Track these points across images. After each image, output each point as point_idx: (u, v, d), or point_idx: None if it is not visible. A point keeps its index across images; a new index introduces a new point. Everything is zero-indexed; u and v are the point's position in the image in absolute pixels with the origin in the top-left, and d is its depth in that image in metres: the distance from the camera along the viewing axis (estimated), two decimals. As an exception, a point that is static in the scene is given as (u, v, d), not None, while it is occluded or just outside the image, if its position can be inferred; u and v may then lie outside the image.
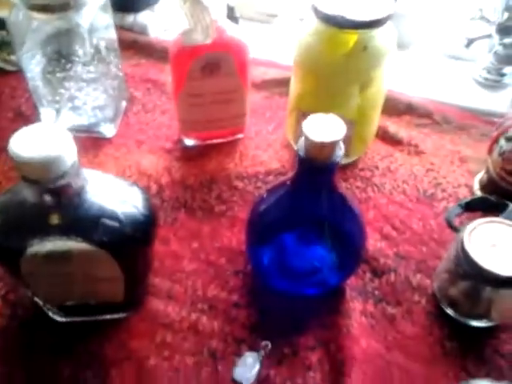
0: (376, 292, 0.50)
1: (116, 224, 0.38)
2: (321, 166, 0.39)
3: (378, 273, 0.52)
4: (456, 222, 0.49)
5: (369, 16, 0.49)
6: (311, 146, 0.37)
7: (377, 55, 0.52)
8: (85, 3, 0.54)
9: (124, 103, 0.70)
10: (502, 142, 0.52)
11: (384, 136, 0.66)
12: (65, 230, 0.38)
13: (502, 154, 0.52)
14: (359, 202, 0.58)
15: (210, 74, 0.56)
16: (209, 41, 0.52)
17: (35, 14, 0.53)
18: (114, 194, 0.40)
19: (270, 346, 0.45)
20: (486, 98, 0.72)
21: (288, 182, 0.44)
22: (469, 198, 0.50)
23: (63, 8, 0.52)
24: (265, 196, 0.48)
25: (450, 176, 0.61)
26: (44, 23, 0.54)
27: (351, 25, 0.50)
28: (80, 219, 0.38)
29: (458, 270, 0.45)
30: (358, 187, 0.60)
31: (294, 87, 0.59)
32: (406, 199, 0.59)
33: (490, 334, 0.47)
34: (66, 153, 0.34)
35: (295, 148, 0.39)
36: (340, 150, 0.39)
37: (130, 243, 0.40)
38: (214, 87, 0.58)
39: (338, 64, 0.52)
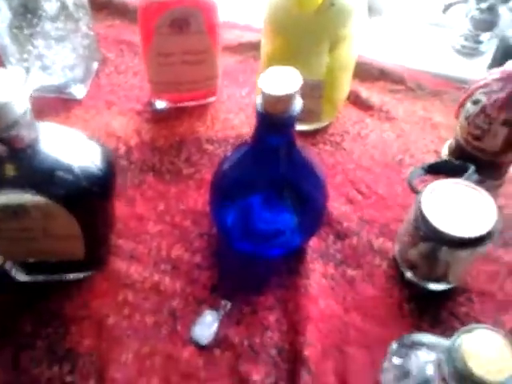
0: (338, 255, 0.51)
1: (71, 177, 0.38)
2: (278, 121, 0.38)
3: (340, 236, 0.52)
4: (419, 185, 0.49)
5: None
6: (267, 99, 0.37)
7: (345, 12, 0.52)
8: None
9: (95, 64, 0.68)
10: (469, 105, 0.52)
11: (356, 101, 0.65)
12: (19, 183, 0.38)
13: (467, 118, 0.52)
14: (327, 167, 0.58)
15: (178, 30, 0.55)
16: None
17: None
18: (71, 148, 0.40)
19: (229, 305, 0.46)
20: (462, 66, 0.72)
21: (248, 141, 0.44)
22: (432, 161, 0.50)
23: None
24: (228, 156, 0.48)
25: (420, 142, 0.61)
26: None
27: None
28: (34, 171, 0.38)
29: (416, 232, 0.46)
30: (326, 152, 0.60)
31: (265, 48, 0.58)
32: (374, 164, 0.59)
33: (447, 297, 0.48)
34: (17, 100, 0.34)
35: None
36: (297, 105, 0.38)
37: (86, 197, 0.40)
38: (183, 46, 0.57)
39: (307, 21, 0.51)
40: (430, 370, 0.35)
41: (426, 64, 0.71)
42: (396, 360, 0.34)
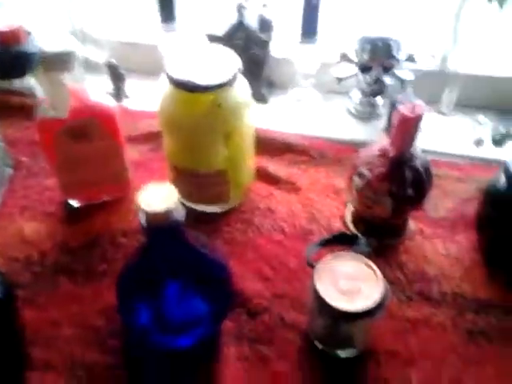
0: (251, 334, 0.52)
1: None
2: (161, 231, 0.41)
3: (252, 314, 0.53)
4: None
5: (216, 78, 0.52)
6: (147, 215, 0.40)
7: (232, 109, 0.55)
8: None
9: (8, 170, 0.70)
10: (356, 179, 0.55)
11: (264, 177, 0.69)
12: None
13: (357, 190, 0.55)
14: (239, 246, 0.60)
15: (78, 139, 0.57)
16: (65, 115, 0.54)
17: None
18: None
19: None
20: (360, 130, 0.77)
21: (143, 248, 0.46)
22: (327, 236, 0.53)
23: None
24: (130, 259, 0.49)
25: (326, 210, 0.65)
26: None
27: (201, 88, 0.52)
28: None
29: (315, 307, 0.48)
30: (239, 230, 0.62)
31: (166, 145, 0.61)
32: (284, 238, 0.61)
33: (357, 362, 0.49)
34: None
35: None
36: (179, 213, 0.41)
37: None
38: (86, 152, 0.59)
39: (197, 123, 0.55)
40: None
41: (327, 131, 0.76)
42: None
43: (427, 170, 0.54)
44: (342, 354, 0.50)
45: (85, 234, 0.62)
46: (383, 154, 0.53)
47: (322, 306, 0.45)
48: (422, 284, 0.55)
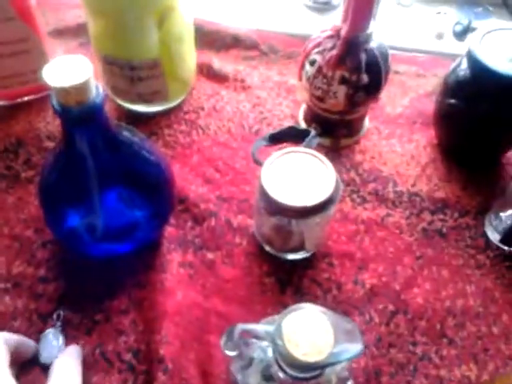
0: (196, 240, 0.48)
1: None
2: (77, 113, 0.34)
3: (198, 220, 0.49)
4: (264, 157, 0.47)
5: None
6: (57, 93, 0.33)
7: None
8: None
9: None
10: (307, 66, 0.50)
11: (209, 73, 0.62)
12: None
13: (308, 80, 0.50)
14: (183, 148, 0.55)
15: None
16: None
17: None
18: None
19: (62, 313, 0.43)
20: (315, 23, 0.70)
21: (62, 140, 0.39)
22: (275, 130, 0.48)
23: None
24: (47, 161, 0.43)
25: (277, 109, 0.59)
26: None
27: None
28: None
29: (264, 207, 0.44)
30: (182, 132, 0.57)
31: (92, 32, 0.53)
32: (231, 138, 0.56)
33: (308, 265, 0.47)
34: None
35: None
36: (97, 91, 0.35)
37: None
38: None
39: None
40: (270, 353, 0.33)
41: (278, 25, 0.69)
42: (230, 352, 0.32)
43: (384, 54, 0.49)
44: (291, 256, 0.47)
45: (6, 137, 0.55)
46: (335, 34, 0.48)
47: (271, 204, 0.41)
48: (377, 184, 0.52)
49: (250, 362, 0.34)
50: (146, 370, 0.40)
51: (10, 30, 0.51)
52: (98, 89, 0.35)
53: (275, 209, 0.42)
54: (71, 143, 0.38)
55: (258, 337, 0.31)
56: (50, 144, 0.55)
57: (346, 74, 0.48)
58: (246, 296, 0.45)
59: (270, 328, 0.30)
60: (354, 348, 0.29)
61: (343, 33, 0.47)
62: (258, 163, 0.46)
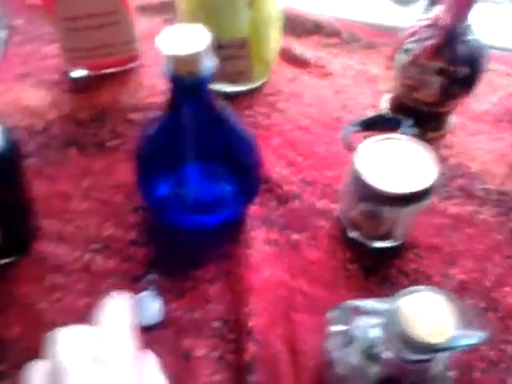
0: (280, 220, 0.48)
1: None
2: (186, 82, 0.35)
3: (282, 200, 0.50)
4: (357, 143, 0.47)
5: None
6: (170, 61, 0.34)
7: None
8: None
9: (2, 33, 0.61)
10: (400, 56, 0.49)
11: (290, 58, 0.62)
12: None
13: (400, 69, 0.50)
14: (263, 130, 0.55)
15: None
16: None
17: None
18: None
19: (155, 276, 0.43)
20: (397, 14, 0.70)
21: (166, 109, 0.40)
22: (365, 117, 0.48)
23: None
24: (147, 127, 0.44)
25: (358, 97, 0.59)
26: None
27: None
28: None
29: (356, 192, 0.44)
30: (261, 114, 0.57)
31: (181, 7, 0.54)
32: (312, 124, 0.56)
33: (395, 254, 0.46)
34: None
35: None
36: (209, 63, 0.35)
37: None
38: (88, 8, 0.52)
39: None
40: (375, 333, 0.33)
41: (360, 14, 0.69)
42: (337, 327, 0.32)
43: (481, 48, 0.48)
44: (378, 244, 0.47)
45: (92, 106, 0.56)
46: (435, 23, 0.47)
47: (366, 190, 0.41)
48: (465, 180, 0.51)
49: (351, 340, 0.33)
50: (235, 338, 0.41)
51: (100, 2, 0.52)
52: (209, 60, 0.35)
53: (370, 195, 0.42)
54: (176, 113, 0.39)
55: (369, 313, 0.31)
56: (134, 116, 0.55)
57: (443, 65, 0.47)
58: (330, 279, 0.45)
59: (385, 306, 0.30)
60: (477, 334, 0.29)
61: (444, 22, 0.47)
62: (350, 148, 0.45)
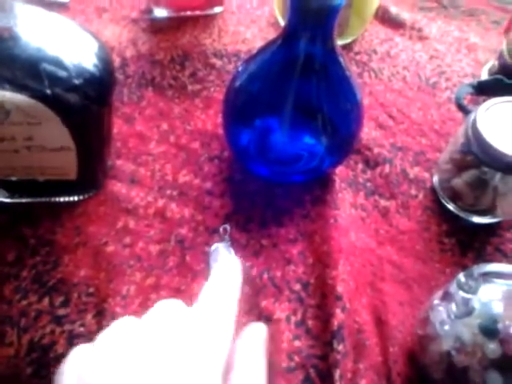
0: (368, 184, 0.45)
1: (60, 72, 0.31)
2: (319, 7, 0.31)
3: (371, 164, 0.46)
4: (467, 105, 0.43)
5: None
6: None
7: None
8: None
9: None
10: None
11: (384, 18, 0.58)
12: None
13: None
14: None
15: None
16: None
17: None
18: (59, 39, 0.33)
19: (229, 228, 0.40)
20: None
21: (272, 44, 0.36)
22: (482, 79, 0.43)
23: None
24: (243, 67, 0.40)
25: (456, 65, 0.54)
26: None
27: None
28: (13, 63, 0.30)
29: (464, 158, 0.40)
30: (353, 72, 0.53)
31: None
32: (406, 87, 0.52)
33: (493, 232, 0.42)
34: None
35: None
36: None
37: (79, 98, 0.32)
38: None
39: None
40: (498, 308, 0.29)
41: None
42: (463, 294, 0.29)
43: None
44: (477, 219, 0.42)
45: (172, 48, 0.53)
46: None
47: (484, 153, 0.37)
48: None
49: (470, 312, 0.30)
50: (316, 304, 0.37)
51: None
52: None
53: (487, 159, 0.37)
54: (286, 49, 0.35)
55: (505, 276, 0.27)
56: (217, 61, 0.52)
57: None
58: (423, 251, 0.41)
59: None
60: None
61: None
62: (463, 109, 0.41)
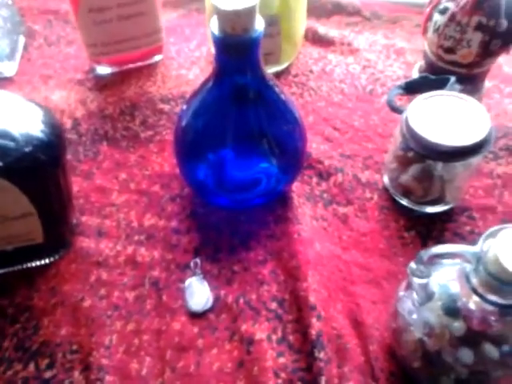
0: (325, 195, 0.47)
1: (9, 143, 0.32)
2: (240, 42, 0.33)
3: (324, 176, 0.48)
4: (400, 105, 0.46)
5: None
6: (224, 17, 0.32)
7: None
8: None
9: (22, 38, 0.61)
10: (436, 16, 0.48)
11: (315, 38, 0.61)
12: None
13: (437, 31, 0.48)
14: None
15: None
16: None
17: None
18: (5, 112, 0.34)
19: (199, 262, 0.42)
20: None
21: (207, 83, 0.39)
22: (409, 79, 0.46)
23: None
24: (185, 107, 0.42)
25: (388, 70, 0.58)
26: None
27: None
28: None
29: (406, 155, 0.42)
30: (293, 94, 0.56)
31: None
32: (345, 99, 0.55)
33: (447, 219, 0.45)
34: None
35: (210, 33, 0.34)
36: (258, 24, 0.34)
37: (31, 165, 0.34)
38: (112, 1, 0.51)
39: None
40: (455, 287, 0.31)
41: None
42: (417, 281, 0.30)
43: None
44: (430, 209, 0.45)
45: (119, 101, 0.55)
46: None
47: (420, 147, 0.40)
48: (508, 140, 0.50)
49: (430, 296, 0.31)
50: (294, 318, 0.39)
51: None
52: (259, 20, 0.34)
53: (424, 151, 0.40)
54: (220, 84, 0.38)
55: (455, 256, 0.29)
56: (165, 106, 0.54)
57: (483, 20, 0.46)
58: (386, 249, 0.43)
59: (471, 249, 0.28)
60: None
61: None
62: (397, 111, 0.44)
